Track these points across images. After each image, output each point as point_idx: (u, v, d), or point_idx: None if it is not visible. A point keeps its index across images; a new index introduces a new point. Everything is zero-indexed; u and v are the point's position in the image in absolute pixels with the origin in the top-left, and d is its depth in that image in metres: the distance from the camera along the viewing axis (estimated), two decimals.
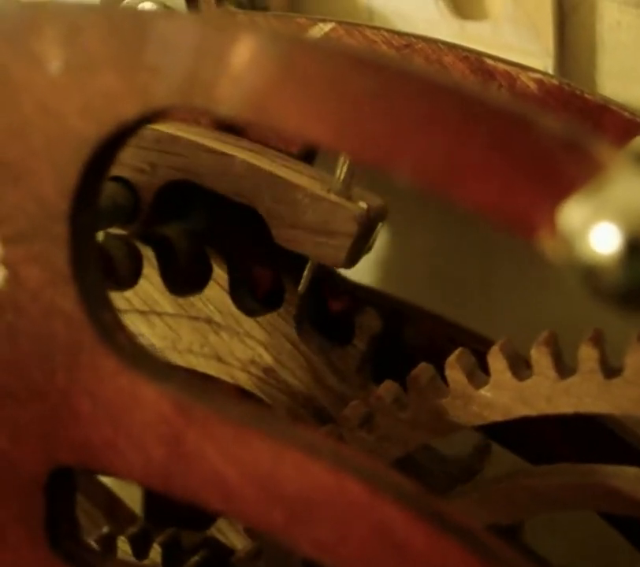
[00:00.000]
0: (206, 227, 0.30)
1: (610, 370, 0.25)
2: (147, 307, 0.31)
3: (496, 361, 0.26)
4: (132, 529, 0.29)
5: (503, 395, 0.25)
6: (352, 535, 0.19)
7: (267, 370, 0.29)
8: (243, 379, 0.30)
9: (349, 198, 0.27)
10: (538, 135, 0.17)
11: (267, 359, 0.29)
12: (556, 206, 0.17)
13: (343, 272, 0.32)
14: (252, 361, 0.30)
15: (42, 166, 0.20)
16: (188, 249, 0.31)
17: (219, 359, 0.30)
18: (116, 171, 0.27)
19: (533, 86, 0.26)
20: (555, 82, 0.26)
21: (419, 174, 0.18)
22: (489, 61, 0.26)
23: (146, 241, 0.30)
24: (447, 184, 0.18)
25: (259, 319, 0.30)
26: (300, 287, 0.29)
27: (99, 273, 0.21)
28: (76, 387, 0.21)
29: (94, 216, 0.21)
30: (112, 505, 0.34)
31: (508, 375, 0.25)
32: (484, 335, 0.30)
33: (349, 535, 0.19)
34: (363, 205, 0.27)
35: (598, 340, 0.25)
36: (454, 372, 0.26)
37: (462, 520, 0.19)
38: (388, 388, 0.27)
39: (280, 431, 0.20)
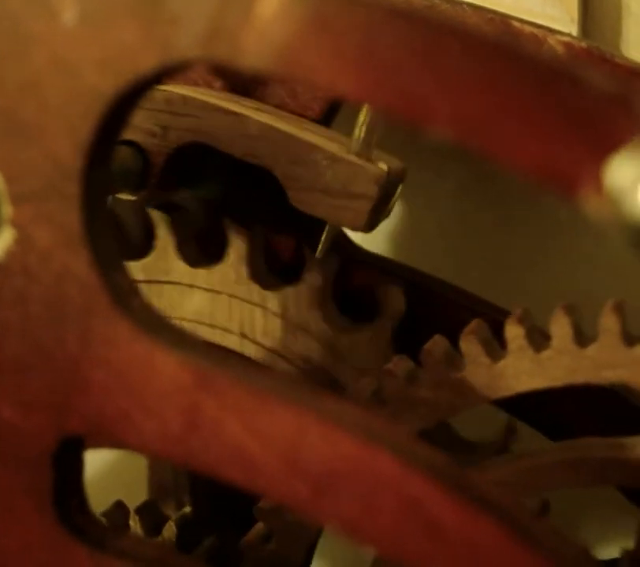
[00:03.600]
0: (221, 196, 0.29)
1: (539, 344, 0.25)
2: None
3: (429, 357, 0.26)
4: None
5: (443, 392, 0.25)
6: (381, 510, 0.18)
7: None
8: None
9: (369, 159, 0.26)
10: (584, 88, 0.16)
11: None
12: (602, 162, 0.16)
13: (360, 243, 0.31)
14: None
15: (56, 122, 0.19)
16: (205, 218, 0.30)
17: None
18: (126, 134, 0.26)
19: (561, 49, 0.25)
20: (583, 45, 0.25)
21: (456, 130, 0.17)
22: (516, 24, 0.25)
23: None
24: (486, 140, 0.17)
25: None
26: (317, 253, 0.28)
27: (112, 235, 0.20)
28: (88, 354, 0.20)
29: (107, 175, 0.20)
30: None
31: (444, 371, 0.25)
32: (503, 307, 0.29)
33: (378, 510, 0.18)
34: (384, 166, 0.26)
35: (523, 317, 0.25)
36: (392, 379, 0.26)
37: (494, 495, 0.19)
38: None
39: (304, 400, 0.19)
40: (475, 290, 0.31)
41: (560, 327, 0.25)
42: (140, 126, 0.26)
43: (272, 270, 0.30)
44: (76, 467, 0.21)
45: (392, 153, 0.28)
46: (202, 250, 0.30)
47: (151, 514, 0.28)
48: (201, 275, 0.29)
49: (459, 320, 0.29)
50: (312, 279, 0.29)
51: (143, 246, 0.30)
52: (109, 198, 0.28)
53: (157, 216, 0.29)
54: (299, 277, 0.29)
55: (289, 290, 0.29)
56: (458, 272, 0.34)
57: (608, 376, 0.25)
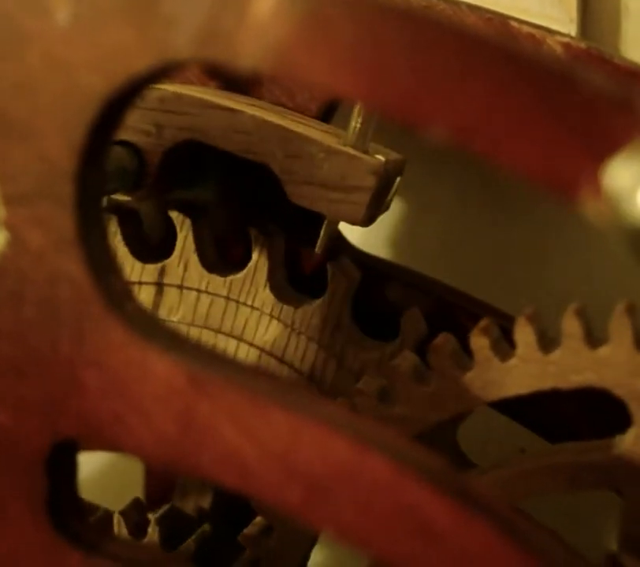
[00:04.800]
0: (215, 195, 0.28)
1: (504, 353, 0.25)
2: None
3: (397, 372, 0.26)
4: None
5: (416, 407, 0.25)
6: (375, 514, 0.18)
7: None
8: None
9: (366, 151, 0.25)
10: (584, 91, 0.16)
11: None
12: (601, 165, 0.16)
13: (358, 245, 0.31)
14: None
15: (49, 123, 0.19)
16: (226, 222, 0.29)
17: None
18: (121, 134, 0.25)
19: (559, 50, 0.25)
20: (583, 46, 0.25)
21: (455, 131, 0.17)
22: (514, 24, 0.25)
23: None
24: (485, 142, 0.17)
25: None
26: (317, 248, 0.28)
27: (107, 237, 0.20)
28: (82, 358, 0.20)
29: (101, 176, 0.20)
30: None
31: (415, 385, 0.25)
32: (499, 308, 0.29)
33: (371, 514, 0.18)
34: (381, 157, 0.25)
35: (487, 328, 0.25)
36: (364, 398, 0.26)
37: (489, 498, 0.18)
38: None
39: (299, 404, 0.19)
40: (473, 292, 0.31)
41: (524, 336, 0.25)
42: (135, 126, 0.26)
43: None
44: (69, 471, 0.21)
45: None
46: (222, 255, 0.30)
47: (172, 521, 0.28)
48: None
49: (456, 321, 0.29)
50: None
51: (163, 247, 0.29)
52: (105, 199, 0.28)
53: (178, 218, 0.29)
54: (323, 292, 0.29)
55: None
56: (457, 273, 0.34)
57: (575, 379, 0.24)
